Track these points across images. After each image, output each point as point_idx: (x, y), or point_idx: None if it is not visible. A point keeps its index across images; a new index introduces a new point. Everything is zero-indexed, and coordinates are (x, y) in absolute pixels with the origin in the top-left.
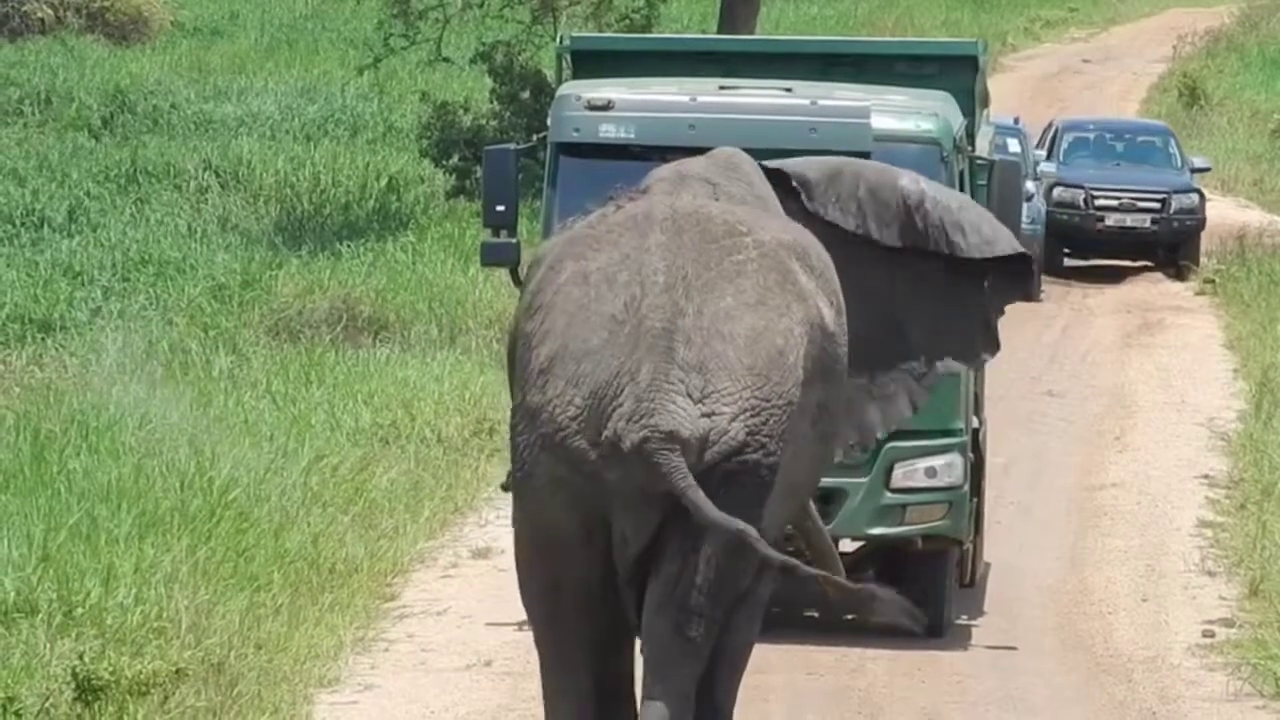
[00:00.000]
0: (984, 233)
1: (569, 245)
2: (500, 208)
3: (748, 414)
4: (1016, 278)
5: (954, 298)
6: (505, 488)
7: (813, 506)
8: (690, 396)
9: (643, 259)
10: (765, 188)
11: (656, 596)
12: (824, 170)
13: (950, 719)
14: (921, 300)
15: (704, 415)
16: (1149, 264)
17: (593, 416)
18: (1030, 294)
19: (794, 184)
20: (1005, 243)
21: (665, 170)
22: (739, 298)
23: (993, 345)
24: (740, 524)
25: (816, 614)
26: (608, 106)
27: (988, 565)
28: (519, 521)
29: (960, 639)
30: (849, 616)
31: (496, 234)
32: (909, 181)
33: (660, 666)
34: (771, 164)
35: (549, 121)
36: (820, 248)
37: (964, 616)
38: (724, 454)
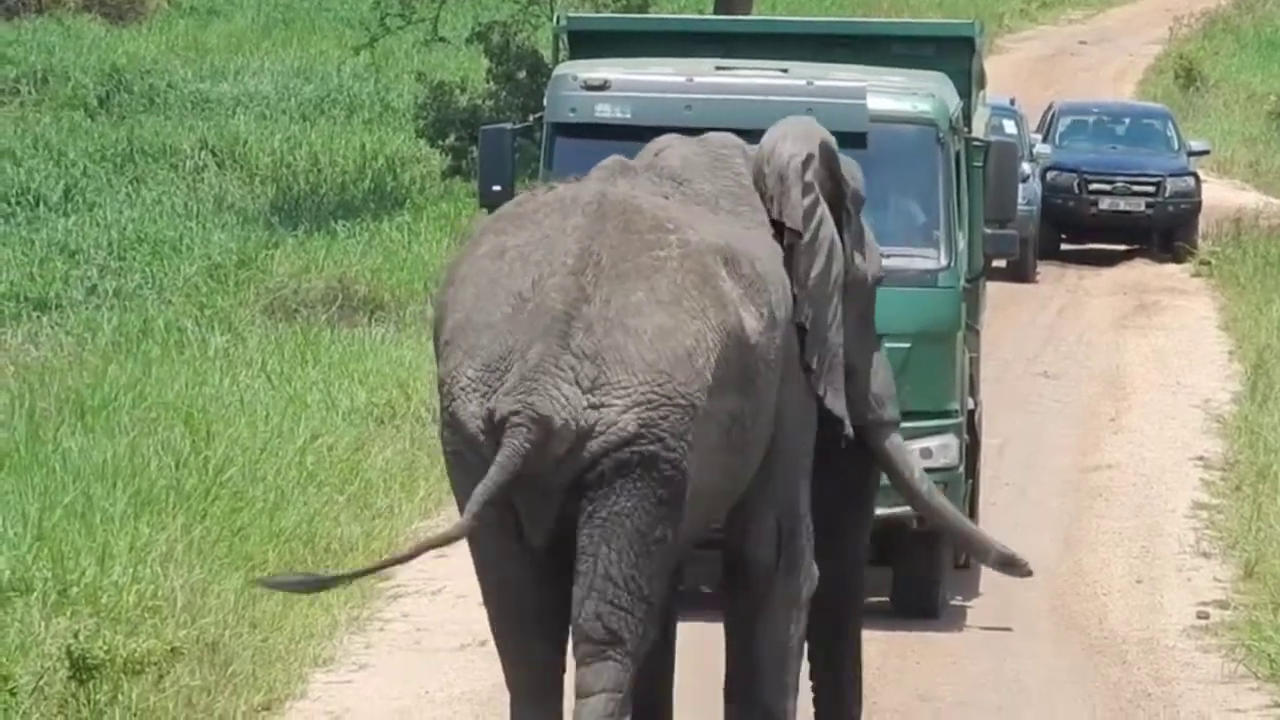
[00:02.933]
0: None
1: (494, 221)
2: (496, 187)
3: (642, 407)
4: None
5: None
6: None
7: (936, 493)
8: (578, 385)
9: (557, 240)
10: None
11: (576, 592)
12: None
13: (944, 700)
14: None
15: (591, 406)
16: (1142, 248)
17: (480, 390)
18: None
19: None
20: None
21: (610, 160)
22: (651, 294)
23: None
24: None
25: None
26: (604, 86)
27: None
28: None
29: (955, 620)
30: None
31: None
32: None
33: (588, 659)
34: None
35: (545, 101)
36: (760, 255)
37: (958, 598)
38: (612, 444)
